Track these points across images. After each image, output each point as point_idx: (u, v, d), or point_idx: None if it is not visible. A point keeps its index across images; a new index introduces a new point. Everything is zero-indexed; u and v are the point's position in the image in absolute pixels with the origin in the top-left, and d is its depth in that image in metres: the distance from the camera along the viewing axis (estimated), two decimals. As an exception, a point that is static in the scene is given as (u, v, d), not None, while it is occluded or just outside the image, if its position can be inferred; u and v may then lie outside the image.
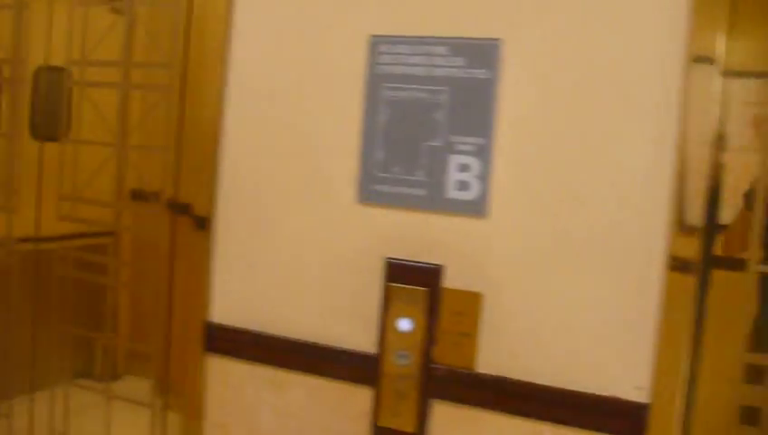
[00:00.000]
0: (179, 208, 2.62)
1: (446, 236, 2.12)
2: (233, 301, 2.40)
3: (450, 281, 2.14)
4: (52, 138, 3.14)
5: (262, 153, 2.37)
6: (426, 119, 2.13)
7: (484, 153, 2.06)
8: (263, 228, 2.36)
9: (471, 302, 2.10)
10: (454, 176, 2.10)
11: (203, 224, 2.47)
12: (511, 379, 2.08)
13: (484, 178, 2.07)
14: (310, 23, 2.30)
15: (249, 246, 2.37)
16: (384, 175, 2.16)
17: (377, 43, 2.17)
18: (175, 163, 2.67)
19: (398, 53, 2.17)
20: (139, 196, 3.08)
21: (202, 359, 2.43)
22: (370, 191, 2.18)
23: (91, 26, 2.94)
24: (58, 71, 3.09)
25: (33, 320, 3.22)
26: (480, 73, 2.07)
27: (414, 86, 2.17)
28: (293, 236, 2.30)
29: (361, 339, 2.22)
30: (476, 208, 2.08)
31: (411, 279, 2.15)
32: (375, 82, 2.18)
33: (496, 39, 2.06)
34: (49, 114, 3.40)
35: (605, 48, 1.96)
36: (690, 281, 1.88)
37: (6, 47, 3.15)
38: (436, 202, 2.12)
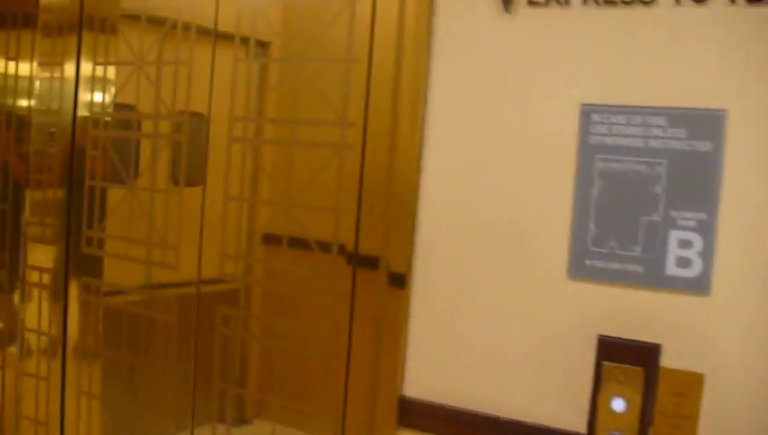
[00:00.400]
0: (363, 262, 2.53)
1: (664, 314, 2.03)
2: (427, 371, 2.34)
3: (668, 360, 2.06)
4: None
5: (463, 216, 2.33)
6: (643, 192, 2.06)
7: (707, 229, 1.97)
8: (464, 295, 2.32)
9: (692, 382, 2.02)
10: (674, 252, 2.02)
11: (398, 281, 2.41)
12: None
13: (707, 254, 1.98)
14: (516, 87, 2.24)
15: (449, 312, 2.33)
16: (597, 249, 2.08)
17: (589, 113, 2.10)
18: (356, 217, 2.58)
19: (613, 123, 2.10)
20: (297, 244, 3.01)
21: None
22: (582, 266, 2.11)
23: (253, 80, 2.94)
24: (201, 119, 3.11)
25: (193, 365, 3.17)
26: (702, 145, 1.99)
27: (630, 158, 2.10)
28: (497, 307, 2.24)
29: (571, 418, 2.15)
30: (698, 286, 1.99)
31: (626, 358, 2.07)
32: (587, 152, 2.11)
33: (722, 110, 1.94)
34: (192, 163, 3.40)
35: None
36: None
37: (169, 100, 3.20)
38: (654, 279, 2.04)
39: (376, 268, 2.51)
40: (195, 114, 3.17)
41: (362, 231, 2.57)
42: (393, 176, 2.44)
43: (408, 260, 2.41)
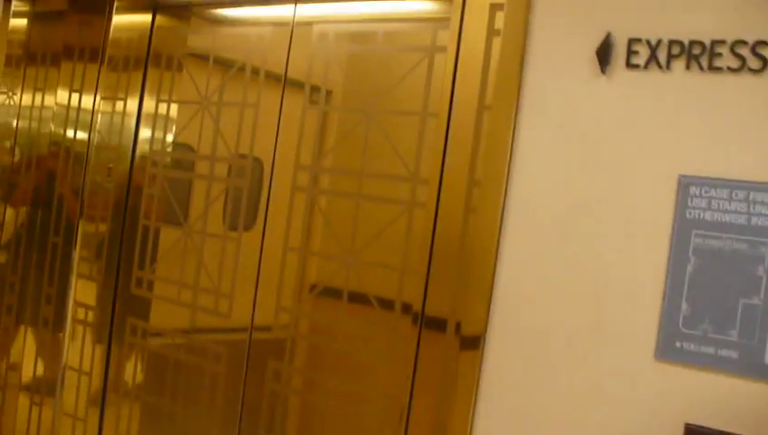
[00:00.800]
0: (429, 323, 2.41)
1: (759, 405, 1.86)
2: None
3: (761, 455, 1.85)
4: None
5: (545, 285, 2.21)
6: (743, 273, 1.94)
7: (813, 317, 1.80)
8: (541, 369, 2.21)
9: (785, 482, 1.83)
10: (775, 340, 1.84)
11: (470, 344, 2.31)
12: None
13: (811, 344, 1.80)
14: (610, 153, 2.14)
15: (523, 385, 2.22)
16: (689, 331, 1.95)
17: (687, 185, 1.97)
18: (425, 277, 2.46)
19: (713, 197, 1.99)
20: (358, 299, 2.89)
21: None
22: (672, 348, 1.98)
23: (320, 129, 2.89)
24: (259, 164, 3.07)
25: (239, 418, 3.05)
26: (812, 227, 1.82)
27: (731, 235, 1.98)
28: (577, 384, 2.12)
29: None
30: (800, 379, 1.81)
31: (715, 450, 1.90)
32: (684, 227, 1.99)
33: (834, 189, 1.80)
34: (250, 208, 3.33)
35: None
36: None
37: (232, 143, 3.15)
38: (750, 367, 1.90)
39: (443, 330, 2.38)
40: (256, 159, 3.09)
41: (431, 292, 2.44)
42: (469, 238, 2.33)
43: (483, 324, 2.29)
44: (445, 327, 2.35)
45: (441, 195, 2.39)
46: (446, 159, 2.36)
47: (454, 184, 2.36)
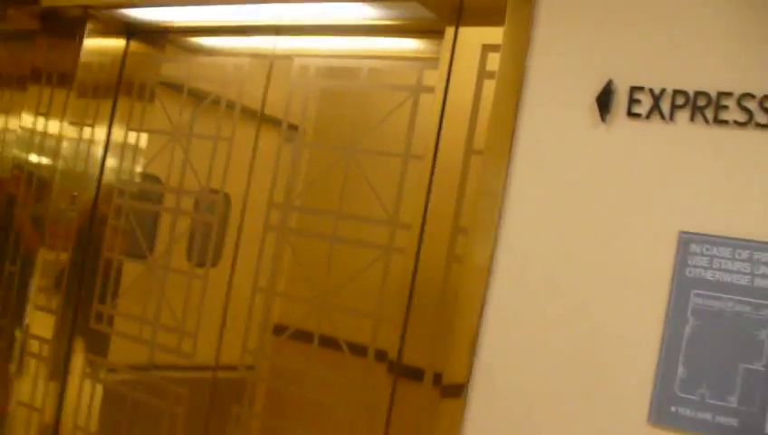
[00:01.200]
0: (409, 372, 2.31)
1: (758, 477, 1.75)
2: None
3: None
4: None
5: (534, 341, 2.12)
6: (745, 336, 1.86)
7: (816, 385, 1.71)
8: (526, 427, 2.10)
9: None
10: (776, 408, 1.75)
11: (452, 393, 2.21)
12: None
13: (815, 414, 1.71)
14: (607, 206, 2.06)
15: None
16: (686, 396, 1.87)
17: (688, 242, 1.90)
18: (403, 324, 2.35)
19: (714, 256, 1.91)
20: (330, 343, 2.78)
21: None
22: (667, 413, 1.90)
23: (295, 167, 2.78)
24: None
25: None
26: (817, 289, 1.74)
27: (732, 296, 1.89)
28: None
29: None
30: (803, 450, 1.71)
31: None
32: (683, 286, 1.92)
33: (841, 250, 1.72)
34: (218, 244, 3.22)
35: None
36: None
37: (203, 176, 3.04)
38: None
39: (420, 380, 2.26)
40: (225, 195, 3.04)
41: (408, 340, 2.33)
42: (452, 286, 2.22)
43: (465, 375, 2.20)
44: (422, 377, 2.24)
45: (423, 241, 2.28)
46: (430, 204, 2.26)
47: (437, 230, 2.27)
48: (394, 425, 2.30)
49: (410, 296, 2.30)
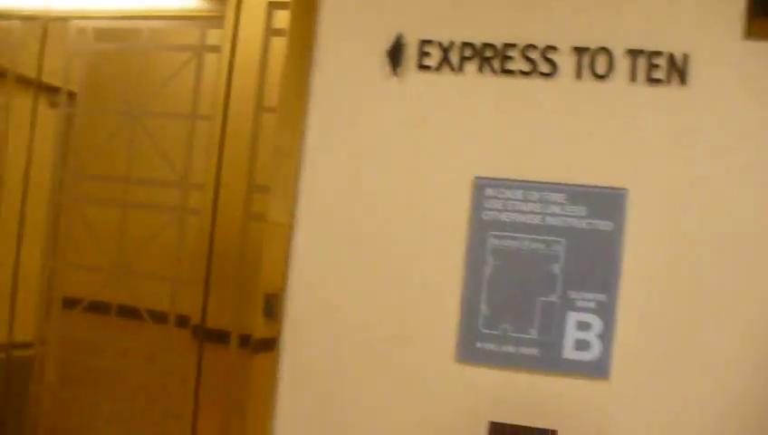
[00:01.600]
0: (215, 336, 2.31)
1: (560, 399, 1.94)
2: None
3: (564, 447, 1.90)
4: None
5: (340, 291, 2.16)
6: (540, 272, 1.96)
7: (606, 311, 1.90)
8: (343, 378, 2.15)
9: (587, 471, 1.89)
10: (572, 334, 1.92)
11: (264, 349, 2.22)
12: None
13: (606, 337, 1.90)
14: (403, 156, 2.12)
15: (325, 396, 2.16)
16: (489, 332, 1.97)
17: (483, 186, 1.98)
18: (204, 288, 2.34)
19: (508, 198, 2.00)
20: (129, 313, 2.74)
21: None
22: (473, 349, 1.99)
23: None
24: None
25: None
26: (603, 225, 1.91)
27: (526, 235, 2.01)
28: (380, 392, 2.09)
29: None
30: (597, 370, 1.91)
31: (520, 444, 1.93)
32: (480, 228, 2.00)
33: (624, 189, 1.87)
34: None
35: (743, 198, 1.87)
36: None
37: None
38: (550, 363, 1.94)
39: (227, 343, 2.28)
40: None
41: (211, 303, 2.33)
42: (252, 244, 2.24)
43: (276, 332, 2.22)
44: (228, 339, 2.24)
45: (218, 201, 2.27)
46: (223, 164, 2.24)
47: (232, 190, 2.27)
48: (204, 389, 2.29)
49: (209, 258, 2.28)
